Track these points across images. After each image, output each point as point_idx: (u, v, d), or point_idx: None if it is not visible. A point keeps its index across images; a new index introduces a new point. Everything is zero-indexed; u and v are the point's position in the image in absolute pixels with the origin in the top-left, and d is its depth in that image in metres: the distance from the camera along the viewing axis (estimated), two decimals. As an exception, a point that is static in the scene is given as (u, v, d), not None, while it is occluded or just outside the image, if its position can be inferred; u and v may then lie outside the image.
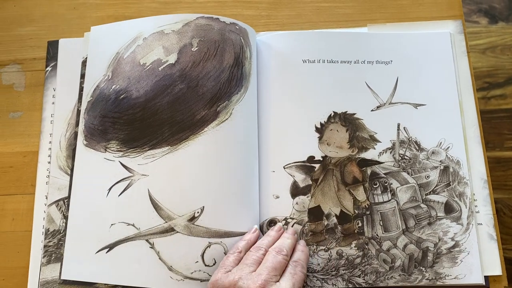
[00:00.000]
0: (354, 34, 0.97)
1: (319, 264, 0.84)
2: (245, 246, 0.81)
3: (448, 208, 0.87)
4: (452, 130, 0.91)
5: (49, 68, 0.96)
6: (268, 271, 0.74)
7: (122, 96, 0.89)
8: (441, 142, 0.90)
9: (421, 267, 0.84)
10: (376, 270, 0.84)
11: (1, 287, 0.87)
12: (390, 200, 0.87)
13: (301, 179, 0.88)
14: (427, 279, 0.83)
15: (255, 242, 0.82)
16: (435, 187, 0.88)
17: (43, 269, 0.85)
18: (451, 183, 0.88)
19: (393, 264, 0.84)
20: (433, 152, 0.90)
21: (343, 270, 0.84)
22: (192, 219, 0.83)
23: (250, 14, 1.00)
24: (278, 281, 0.74)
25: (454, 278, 0.84)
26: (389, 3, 0.99)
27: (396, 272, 0.84)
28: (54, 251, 0.85)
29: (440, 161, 0.89)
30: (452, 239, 0.86)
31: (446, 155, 0.90)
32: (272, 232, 0.83)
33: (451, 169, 0.89)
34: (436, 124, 0.91)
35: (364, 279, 0.83)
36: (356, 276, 0.83)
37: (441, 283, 0.83)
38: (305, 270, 0.78)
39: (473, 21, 0.94)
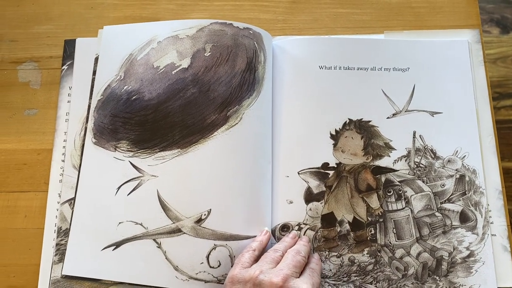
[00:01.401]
0: (371, 40, 0.96)
1: (331, 270, 0.84)
2: (258, 246, 0.81)
3: (464, 217, 0.86)
4: (469, 139, 0.90)
5: (65, 67, 0.97)
6: (289, 267, 0.74)
7: (134, 97, 0.89)
8: (457, 151, 0.89)
9: (435, 276, 0.83)
10: (389, 278, 0.83)
11: (12, 284, 0.87)
12: (404, 208, 0.87)
13: (315, 185, 0.88)
14: None
15: (266, 244, 0.83)
16: (450, 196, 0.87)
17: (54, 267, 0.85)
18: (467, 192, 0.87)
19: (406, 272, 0.84)
20: (449, 161, 0.89)
21: (354, 277, 0.84)
22: (199, 221, 0.83)
23: (266, 18, 0.99)
24: (298, 277, 0.74)
25: None
26: (406, 10, 0.98)
27: (409, 280, 0.83)
28: (66, 249, 0.85)
29: (456, 170, 0.88)
30: (467, 248, 0.85)
31: (462, 164, 0.89)
32: (287, 238, 0.84)
33: (467, 178, 0.88)
34: (452, 132, 0.90)
35: (376, 286, 0.83)
36: (368, 283, 0.83)
37: None
38: (320, 280, 0.78)
39: (484, 31, 0.93)
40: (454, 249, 0.85)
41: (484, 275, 0.84)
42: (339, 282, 0.83)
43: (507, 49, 0.94)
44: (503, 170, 0.90)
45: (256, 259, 0.79)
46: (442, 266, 0.84)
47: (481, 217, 0.86)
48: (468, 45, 0.95)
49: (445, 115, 0.91)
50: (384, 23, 0.97)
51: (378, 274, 0.84)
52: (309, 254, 0.82)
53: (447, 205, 0.87)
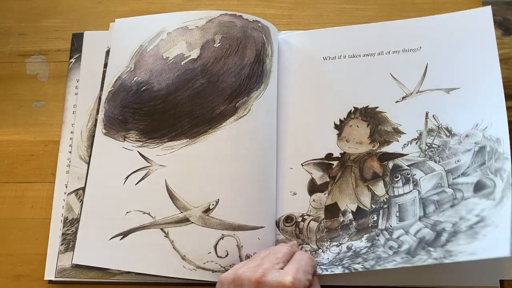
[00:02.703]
0: (376, 25, 0.95)
1: (328, 258, 0.82)
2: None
3: (479, 187, 0.77)
4: (493, 108, 0.83)
5: (73, 60, 0.98)
6: (270, 260, 0.72)
7: (143, 88, 0.90)
8: (477, 124, 0.83)
9: (430, 248, 0.74)
10: (378, 256, 0.78)
11: (19, 273, 0.88)
12: (411, 191, 0.83)
13: (318, 176, 0.88)
14: (433, 258, 0.72)
15: None
16: (465, 170, 0.80)
17: (60, 256, 0.86)
18: (486, 162, 0.80)
19: (398, 249, 0.77)
20: (467, 135, 0.83)
21: (346, 260, 0.80)
22: (207, 210, 0.84)
23: (272, 13, 1.00)
24: (282, 268, 0.71)
25: (470, 254, 0.70)
26: (410, 6, 0.99)
27: (399, 255, 0.76)
28: (72, 239, 0.86)
29: (475, 143, 0.82)
30: (478, 215, 0.74)
31: (483, 136, 0.82)
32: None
33: (488, 148, 0.80)
34: (472, 106, 0.85)
35: (362, 265, 0.78)
36: (356, 263, 0.79)
37: (450, 261, 0.71)
38: (312, 261, 0.75)
39: (486, 32, 0.94)
40: (460, 219, 0.75)
41: (493, 239, 0.70)
42: (329, 266, 0.81)
43: (509, 50, 0.95)
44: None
45: None
46: (442, 237, 0.75)
47: (502, 181, 0.76)
48: (491, 12, 0.89)
49: (463, 89, 0.86)
50: (388, 18, 0.97)
51: (370, 255, 0.79)
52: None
53: (460, 179, 0.80)
